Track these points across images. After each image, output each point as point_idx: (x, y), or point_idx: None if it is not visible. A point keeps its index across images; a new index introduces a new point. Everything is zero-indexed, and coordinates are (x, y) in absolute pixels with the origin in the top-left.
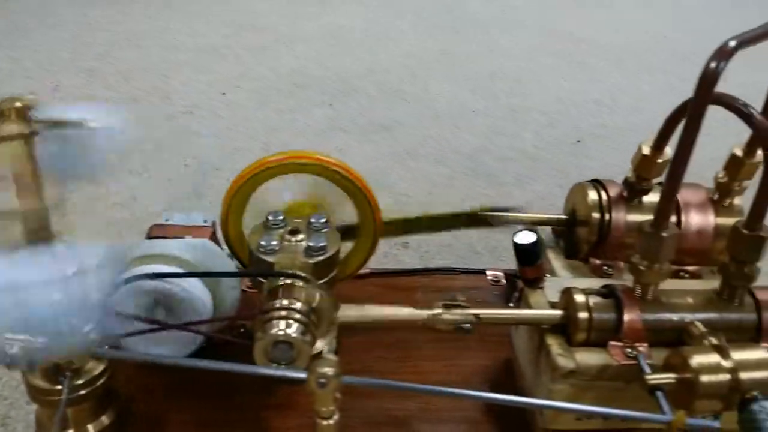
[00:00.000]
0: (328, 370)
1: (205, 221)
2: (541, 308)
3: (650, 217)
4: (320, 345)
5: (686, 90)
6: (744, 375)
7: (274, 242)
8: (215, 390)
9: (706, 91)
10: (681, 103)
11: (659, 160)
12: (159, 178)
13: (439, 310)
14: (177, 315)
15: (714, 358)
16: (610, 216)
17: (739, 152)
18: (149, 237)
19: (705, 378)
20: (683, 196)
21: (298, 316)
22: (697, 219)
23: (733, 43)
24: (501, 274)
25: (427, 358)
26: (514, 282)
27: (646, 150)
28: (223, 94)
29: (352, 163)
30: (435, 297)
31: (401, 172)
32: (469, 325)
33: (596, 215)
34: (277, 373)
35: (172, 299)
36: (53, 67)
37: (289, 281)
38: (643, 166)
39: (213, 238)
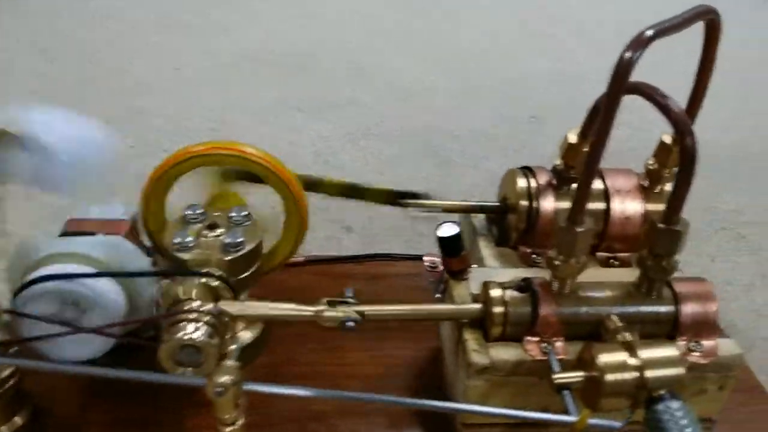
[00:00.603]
0: (226, 379)
1: (124, 214)
2: (463, 301)
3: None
4: (248, 336)
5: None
6: (650, 373)
7: (189, 238)
8: (134, 388)
9: (620, 81)
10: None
11: (586, 149)
12: None
13: (323, 307)
14: (89, 315)
15: (621, 356)
16: (538, 204)
17: (667, 139)
18: (65, 231)
19: (610, 377)
20: (612, 182)
21: (206, 318)
22: (627, 206)
23: (650, 33)
24: (438, 260)
25: (355, 349)
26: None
27: (573, 138)
28: (177, 69)
29: (304, 142)
30: (370, 286)
31: (353, 152)
32: (353, 323)
33: (524, 203)
34: (176, 381)
35: (81, 301)
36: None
37: (202, 280)
38: (570, 154)
39: (132, 231)
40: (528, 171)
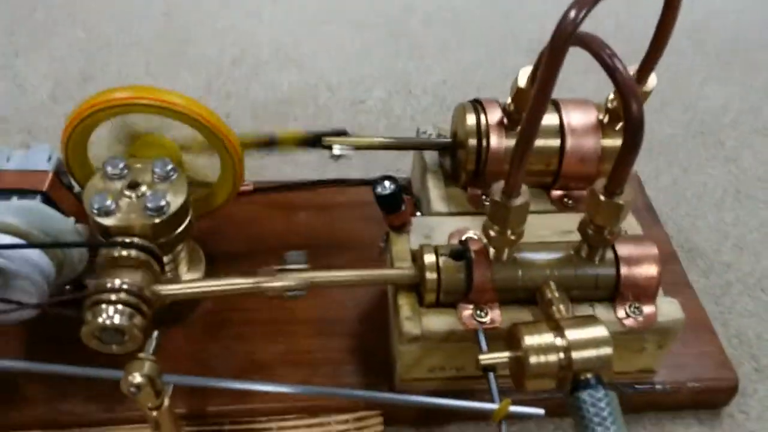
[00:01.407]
0: (140, 380)
1: (49, 158)
2: (402, 258)
3: (537, 143)
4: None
5: None
6: (576, 355)
7: (109, 202)
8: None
9: (564, 39)
10: None
11: None
12: (46, 57)
13: (263, 278)
14: (15, 284)
15: (547, 337)
16: (488, 142)
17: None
18: None
19: (534, 359)
20: (569, 117)
21: (126, 297)
22: (583, 143)
23: None
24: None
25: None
26: (407, 192)
27: (523, 82)
28: None
29: (261, 29)
30: (320, 217)
31: (313, 43)
32: (302, 292)
33: (473, 141)
34: (94, 374)
35: (4, 271)
36: None
37: (124, 253)
38: (519, 98)
39: (55, 182)
40: (479, 106)
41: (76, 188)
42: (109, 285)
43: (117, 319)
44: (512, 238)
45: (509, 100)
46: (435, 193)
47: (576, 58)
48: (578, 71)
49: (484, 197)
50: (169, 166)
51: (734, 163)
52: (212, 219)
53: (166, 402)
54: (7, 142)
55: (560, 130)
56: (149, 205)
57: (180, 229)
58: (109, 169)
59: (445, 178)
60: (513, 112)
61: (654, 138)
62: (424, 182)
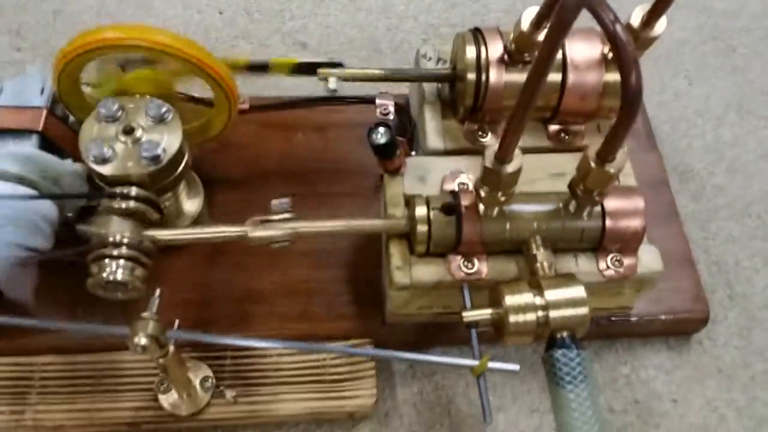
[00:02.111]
0: (144, 341)
1: (42, 89)
2: (395, 203)
3: None
4: (192, 209)
5: None
6: (554, 313)
7: (106, 149)
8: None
9: (575, 8)
10: None
11: (539, 39)
12: None
13: (249, 228)
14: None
15: (527, 297)
16: (488, 77)
17: (637, 19)
18: None
19: (513, 318)
20: (572, 51)
21: (127, 252)
22: (585, 79)
23: None
24: (390, 104)
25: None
26: (405, 113)
27: (525, 25)
28: None
29: None
30: (318, 139)
31: None
32: (286, 242)
33: (472, 76)
34: (102, 331)
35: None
36: None
37: (123, 205)
38: (522, 41)
39: (49, 118)
40: (480, 36)
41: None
42: (110, 239)
43: (119, 275)
44: (502, 199)
45: (510, 37)
46: (431, 125)
47: None
48: None
49: (480, 133)
50: (164, 108)
51: (741, 74)
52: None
53: (171, 349)
54: None
55: (562, 65)
56: (145, 154)
57: (177, 172)
58: (102, 111)
59: (443, 109)
60: (514, 53)
61: (662, 44)
62: (421, 112)
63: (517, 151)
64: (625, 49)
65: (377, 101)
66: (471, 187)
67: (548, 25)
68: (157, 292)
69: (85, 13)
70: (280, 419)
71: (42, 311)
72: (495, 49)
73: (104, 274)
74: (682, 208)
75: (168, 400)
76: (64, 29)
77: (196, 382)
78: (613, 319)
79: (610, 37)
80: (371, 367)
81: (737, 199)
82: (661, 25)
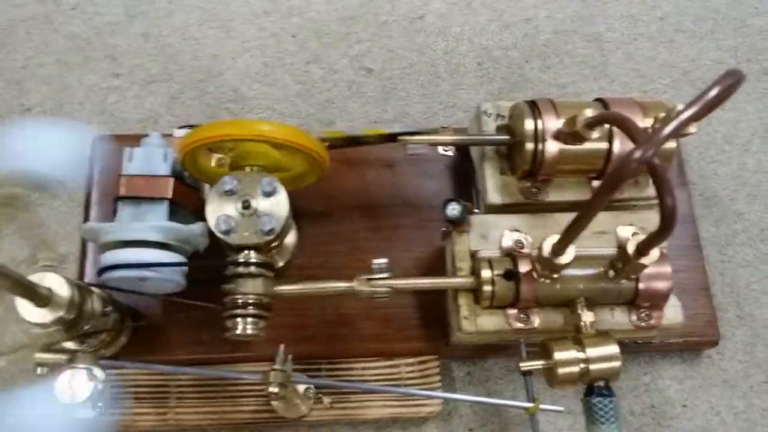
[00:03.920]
0: (276, 389)
1: (165, 156)
2: (462, 258)
3: (587, 146)
4: (290, 242)
5: None
6: (594, 366)
7: (230, 223)
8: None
9: (625, 177)
10: None
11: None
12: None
13: (356, 283)
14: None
15: (571, 353)
16: (544, 147)
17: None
18: (119, 196)
19: (561, 370)
20: None
21: (254, 311)
22: (628, 146)
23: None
24: (451, 149)
25: (374, 250)
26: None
27: (580, 125)
28: None
29: None
30: (386, 178)
31: None
32: (385, 297)
33: (530, 145)
34: (235, 376)
35: (152, 278)
36: None
37: (245, 270)
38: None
39: (177, 186)
40: (535, 108)
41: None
42: (240, 301)
43: (249, 330)
44: (555, 276)
45: (564, 124)
46: (491, 182)
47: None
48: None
49: (533, 190)
50: (274, 185)
51: None
52: None
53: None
54: (96, 71)
55: (609, 134)
56: (263, 228)
57: (285, 234)
58: (223, 187)
59: (501, 164)
60: (568, 135)
61: (698, 67)
62: (481, 168)
63: (570, 247)
64: (660, 171)
65: (440, 148)
66: (525, 244)
67: (607, 175)
68: (282, 347)
69: (171, 35)
70: (366, 421)
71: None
72: (550, 122)
73: (238, 330)
74: (704, 233)
75: (280, 406)
76: (155, 52)
77: (301, 392)
78: (638, 342)
79: (652, 167)
80: (438, 380)
81: (754, 224)
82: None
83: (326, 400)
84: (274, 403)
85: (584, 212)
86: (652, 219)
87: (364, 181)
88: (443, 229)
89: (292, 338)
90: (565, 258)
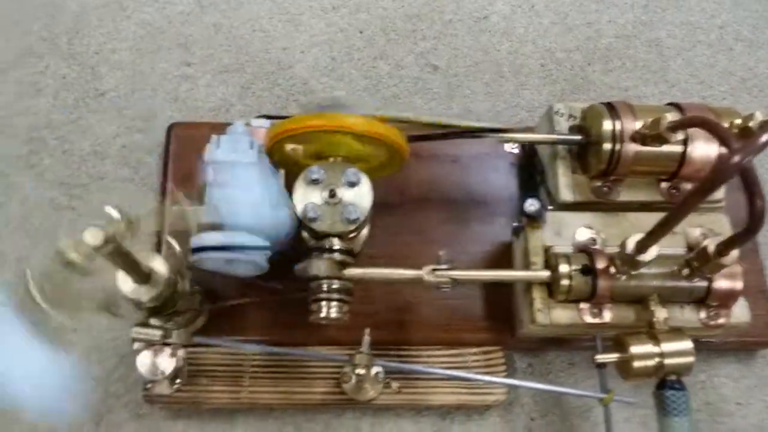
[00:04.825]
0: (362, 371)
1: (251, 144)
2: (536, 253)
3: (663, 149)
4: (365, 232)
5: None
6: (668, 361)
7: (317, 211)
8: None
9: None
10: None
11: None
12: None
13: (423, 273)
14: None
15: (647, 348)
16: (621, 147)
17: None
18: (207, 181)
19: (637, 363)
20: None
21: (338, 296)
22: (703, 151)
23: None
24: (517, 147)
25: (440, 243)
26: (530, 147)
27: (663, 128)
28: None
29: None
30: (452, 171)
31: None
32: (448, 287)
33: (608, 146)
34: (319, 357)
35: (239, 260)
36: None
37: (330, 256)
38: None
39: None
40: (612, 110)
41: None
42: (324, 287)
43: (333, 314)
44: (633, 273)
45: (642, 126)
46: (563, 180)
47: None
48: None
49: (605, 189)
50: (359, 175)
51: None
52: None
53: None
54: (168, 59)
55: (684, 140)
56: (348, 217)
57: (366, 223)
58: (310, 176)
59: (571, 162)
60: (647, 136)
61: (756, 75)
62: (553, 166)
63: (654, 245)
64: (753, 179)
65: (506, 145)
66: (598, 241)
67: (704, 179)
68: (367, 330)
69: (242, 27)
70: (431, 407)
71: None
72: (628, 125)
73: (323, 314)
74: (762, 237)
75: (350, 388)
76: (227, 43)
77: (372, 376)
78: (698, 340)
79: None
80: (503, 369)
81: None
82: None
83: (394, 384)
84: (344, 385)
85: (676, 213)
86: (718, 221)
87: (432, 175)
88: (514, 224)
89: (362, 325)
90: (648, 256)
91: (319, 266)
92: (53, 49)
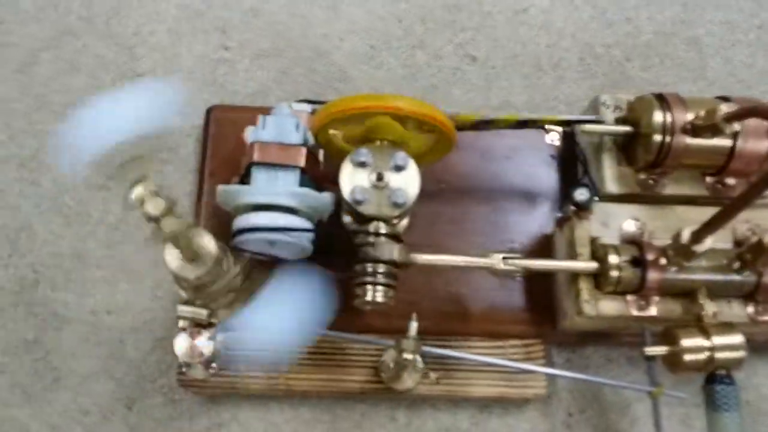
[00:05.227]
0: (409, 356)
1: (297, 126)
2: (583, 244)
3: (713, 142)
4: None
5: None
6: (719, 355)
7: (364, 194)
8: None
9: None
10: None
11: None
12: None
13: (494, 261)
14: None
15: (698, 341)
16: (672, 140)
17: None
18: (252, 161)
19: (687, 357)
20: (744, 121)
21: (383, 280)
22: (753, 146)
23: None
24: (557, 136)
25: (480, 234)
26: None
27: (720, 118)
28: None
29: None
30: (501, 161)
31: None
32: (519, 277)
33: (658, 137)
34: (365, 341)
35: (283, 242)
36: None
37: (375, 240)
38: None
39: (309, 158)
40: (663, 101)
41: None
42: (369, 270)
43: (379, 298)
44: (686, 265)
45: (694, 116)
46: (609, 173)
47: None
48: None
49: (651, 182)
50: (408, 161)
51: None
52: None
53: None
54: (206, 42)
55: (734, 134)
56: (396, 200)
57: (412, 208)
58: (357, 158)
59: (617, 153)
60: (700, 127)
61: None
62: (598, 158)
63: (708, 237)
64: None
65: (546, 138)
66: (645, 234)
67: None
68: (414, 316)
69: (279, 12)
70: (469, 398)
71: None
72: (679, 115)
73: (368, 298)
74: None
75: (388, 377)
76: (265, 28)
77: (413, 364)
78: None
79: None
80: (543, 363)
81: None
82: None
83: (433, 375)
84: (382, 374)
85: (735, 204)
86: (765, 217)
87: (469, 166)
88: (558, 214)
89: (402, 314)
90: (702, 247)
91: (389, 250)
92: (91, 28)
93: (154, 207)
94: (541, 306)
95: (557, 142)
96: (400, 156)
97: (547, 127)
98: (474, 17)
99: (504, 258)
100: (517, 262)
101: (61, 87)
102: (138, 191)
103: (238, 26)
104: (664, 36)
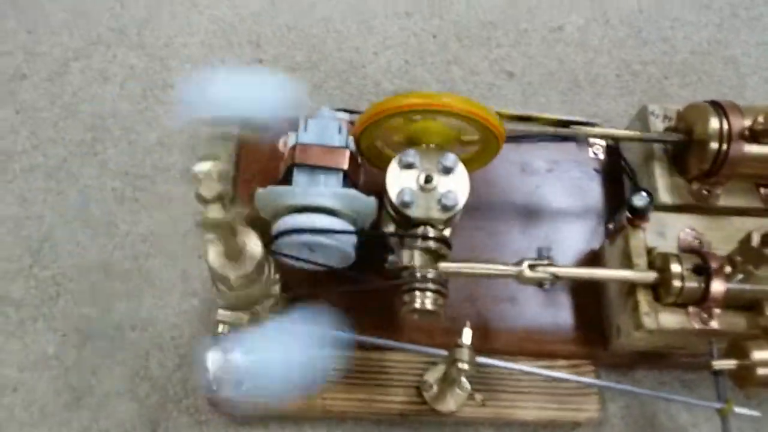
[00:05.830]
0: (465, 366)
1: (340, 129)
2: (638, 254)
3: None
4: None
5: None
6: None
7: (412, 196)
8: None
9: None
10: None
11: None
12: None
13: (524, 268)
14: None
15: None
16: (729, 148)
17: None
18: (294, 163)
19: (761, 370)
20: None
21: (433, 286)
22: None
23: None
24: (600, 149)
25: (520, 247)
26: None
27: None
28: None
29: None
30: (524, 176)
31: None
32: (548, 285)
33: (714, 145)
34: (415, 349)
35: (324, 246)
36: None
37: (425, 244)
38: None
39: (351, 158)
40: (720, 109)
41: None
42: (419, 275)
43: (428, 305)
44: (756, 273)
45: (752, 121)
46: (662, 182)
47: None
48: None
49: (705, 192)
50: (457, 163)
51: None
52: None
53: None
54: (240, 55)
55: None
56: (445, 203)
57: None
58: (404, 159)
59: (668, 164)
60: (761, 132)
61: None
62: (650, 167)
63: None
64: None
65: (590, 150)
66: (703, 244)
67: None
68: (468, 324)
69: (315, 26)
70: (518, 422)
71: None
72: (736, 122)
73: (416, 305)
74: None
75: (432, 398)
76: (299, 41)
77: (459, 380)
78: None
79: None
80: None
81: None
82: None
83: (478, 396)
84: (425, 394)
85: None
86: None
87: (509, 180)
88: (608, 225)
89: (446, 330)
90: None
91: (413, 256)
92: (122, 39)
93: (207, 189)
94: (591, 325)
95: (601, 155)
96: (450, 157)
97: (590, 140)
98: (510, 34)
99: (530, 265)
100: (547, 269)
101: (90, 97)
102: (203, 166)
103: (272, 40)
104: (701, 55)
